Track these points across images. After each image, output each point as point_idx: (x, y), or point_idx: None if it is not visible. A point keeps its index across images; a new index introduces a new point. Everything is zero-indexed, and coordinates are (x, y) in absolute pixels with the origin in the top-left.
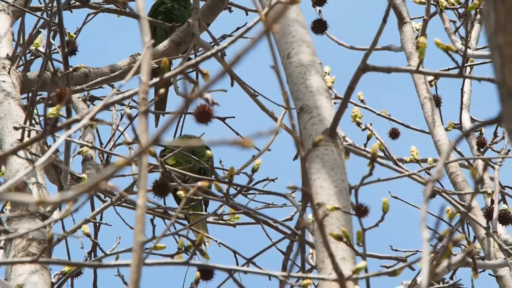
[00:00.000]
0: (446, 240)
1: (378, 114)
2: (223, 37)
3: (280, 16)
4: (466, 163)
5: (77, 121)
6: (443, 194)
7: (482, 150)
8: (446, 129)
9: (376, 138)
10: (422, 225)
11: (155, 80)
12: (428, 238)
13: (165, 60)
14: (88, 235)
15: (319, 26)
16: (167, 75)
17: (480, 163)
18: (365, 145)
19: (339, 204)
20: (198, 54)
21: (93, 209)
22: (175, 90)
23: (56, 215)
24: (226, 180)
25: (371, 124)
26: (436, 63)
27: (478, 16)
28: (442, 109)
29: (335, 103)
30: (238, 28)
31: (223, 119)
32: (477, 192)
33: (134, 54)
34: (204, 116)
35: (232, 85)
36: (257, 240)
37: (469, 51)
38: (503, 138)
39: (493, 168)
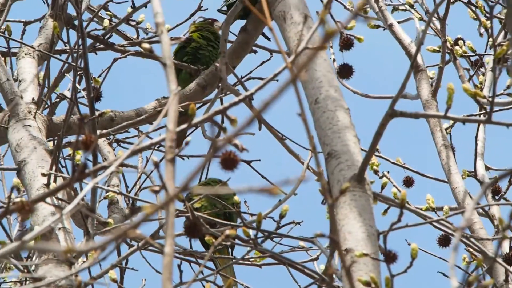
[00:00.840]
0: (474, 286)
1: (393, 163)
2: (249, 77)
3: (308, 64)
4: (481, 211)
5: (105, 168)
6: (470, 240)
7: (497, 198)
8: (461, 177)
9: (394, 186)
10: (451, 273)
11: (183, 126)
12: (457, 287)
13: (192, 106)
14: (115, 281)
15: (345, 72)
16: (194, 121)
17: (496, 210)
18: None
19: (367, 250)
20: (224, 96)
21: (119, 254)
22: (202, 133)
23: (83, 262)
24: (254, 225)
25: (388, 172)
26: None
27: (491, 65)
28: (456, 156)
29: None
30: (263, 62)
31: (249, 162)
32: (505, 238)
33: (160, 97)
34: (229, 163)
35: (260, 129)
36: (284, 284)
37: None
38: None
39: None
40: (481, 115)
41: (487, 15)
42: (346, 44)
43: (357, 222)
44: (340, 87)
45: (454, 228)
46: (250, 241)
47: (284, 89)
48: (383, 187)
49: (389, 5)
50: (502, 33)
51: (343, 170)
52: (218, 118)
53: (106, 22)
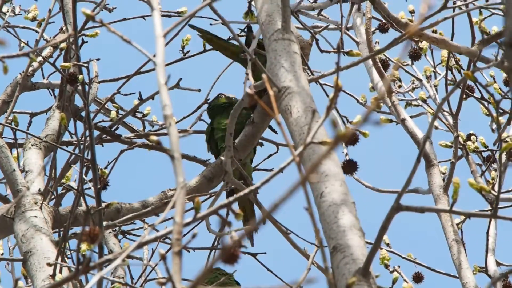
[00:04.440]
0: None
1: (404, 258)
2: (255, 169)
3: (317, 167)
4: None
5: (110, 260)
6: None
7: None
8: (472, 272)
9: (405, 280)
10: None
11: (188, 219)
12: None
13: (197, 200)
14: None
15: (349, 167)
16: (199, 215)
17: None
18: None
19: None
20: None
21: None
22: (207, 227)
23: None
24: None
25: (399, 266)
26: (463, 206)
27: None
28: (467, 251)
29: None
30: (270, 155)
31: (254, 255)
32: None
33: (166, 189)
34: (230, 258)
35: (264, 223)
36: None
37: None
38: None
39: None
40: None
41: (501, 110)
42: (352, 139)
43: None
44: (349, 181)
45: None
46: None
47: (294, 190)
48: (394, 282)
49: (402, 100)
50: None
51: (348, 264)
52: (223, 211)
53: (113, 114)
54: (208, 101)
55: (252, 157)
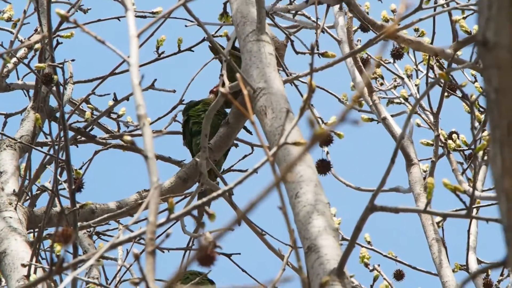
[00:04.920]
0: None
1: (385, 256)
2: (230, 169)
3: (292, 166)
4: None
5: (84, 261)
6: None
7: None
8: (453, 271)
9: (384, 279)
10: None
11: (162, 220)
12: None
13: (171, 200)
14: None
15: (323, 167)
16: (173, 215)
17: None
18: (371, 286)
19: None
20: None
21: None
22: (182, 228)
23: None
24: None
25: (379, 265)
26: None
27: (486, 158)
28: (448, 248)
29: (341, 244)
30: (245, 156)
31: (229, 256)
32: None
33: (141, 190)
34: (206, 260)
35: (239, 224)
36: None
37: (477, 193)
38: (508, 275)
39: None
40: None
41: (481, 109)
42: (326, 140)
43: None
44: (330, 179)
45: None
46: None
47: (269, 191)
48: (374, 280)
49: (383, 98)
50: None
51: (323, 264)
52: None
53: (88, 115)
54: (183, 102)
55: (225, 153)
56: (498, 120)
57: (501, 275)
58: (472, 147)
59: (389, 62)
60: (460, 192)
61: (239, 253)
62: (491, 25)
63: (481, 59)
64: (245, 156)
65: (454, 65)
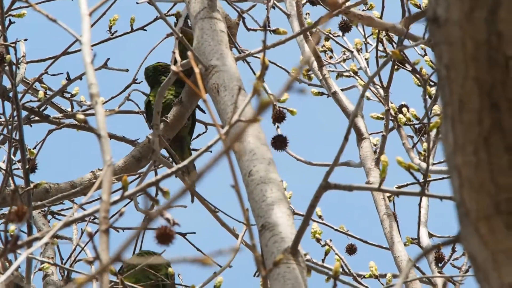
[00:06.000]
0: None
1: (336, 230)
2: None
3: (241, 136)
4: (426, 280)
5: (38, 239)
6: None
7: (440, 265)
8: (405, 244)
9: (336, 254)
10: None
11: (115, 198)
12: None
13: (125, 178)
14: None
15: (279, 142)
16: (127, 193)
17: (439, 280)
18: (323, 260)
19: None
20: (158, 169)
21: None
22: (135, 206)
23: None
24: None
25: (330, 240)
26: (395, 178)
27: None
28: (400, 222)
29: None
30: (198, 135)
31: (183, 235)
32: None
33: (95, 169)
34: (165, 238)
35: (192, 201)
36: None
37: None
38: (463, 254)
39: (454, 284)
40: (418, 186)
41: (432, 83)
42: (279, 117)
43: None
44: (281, 154)
45: None
46: None
47: (217, 160)
48: (326, 254)
49: (333, 71)
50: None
51: (277, 242)
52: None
53: (41, 94)
54: (136, 81)
55: (190, 130)
56: (449, 97)
57: (453, 250)
58: (425, 121)
59: (338, 35)
60: (414, 170)
61: (194, 232)
62: (441, 1)
63: (431, 35)
64: (199, 135)
65: (406, 42)
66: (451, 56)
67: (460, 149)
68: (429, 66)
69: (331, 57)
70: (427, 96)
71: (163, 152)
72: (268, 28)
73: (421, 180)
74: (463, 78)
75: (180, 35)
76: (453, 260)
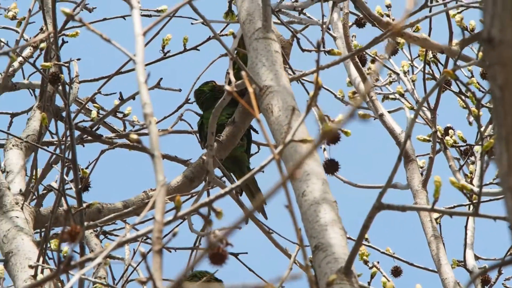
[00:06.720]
0: None
1: (383, 252)
2: None
3: (301, 164)
4: None
5: (91, 259)
6: None
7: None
8: (451, 267)
9: (384, 276)
10: None
11: (169, 218)
12: None
13: (178, 198)
14: None
15: (331, 166)
16: (180, 213)
17: None
18: (369, 283)
19: None
20: (211, 189)
21: None
22: (189, 227)
23: None
24: None
25: (378, 262)
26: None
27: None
28: (445, 244)
29: None
30: (251, 155)
31: (236, 255)
32: None
33: (147, 189)
34: (218, 258)
35: (246, 223)
36: None
37: (476, 189)
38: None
39: None
40: (470, 207)
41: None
42: (333, 138)
43: None
44: (329, 178)
45: None
46: None
47: (276, 189)
48: (372, 276)
49: (379, 94)
50: (491, 125)
51: (330, 263)
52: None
53: (94, 114)
54: (189, 101)
55: (247, 150)
56: (503, 118)
57: (499, 272)
58: (472, 143)
59: (384, 58)
60: (466, 191)
61: (246, 253)
62: (496, 22)
63: (486, 56)
64: (252, 155)
65: (460, 62)
66: (505, 76)
67: None
68: (475, 87)
69: (377, 80)
70: (478, 117)
71: (216, 171)
72: (323, 49)
73: (473, 201)
74: None
75: (235, 55)
76: (504, 281)
